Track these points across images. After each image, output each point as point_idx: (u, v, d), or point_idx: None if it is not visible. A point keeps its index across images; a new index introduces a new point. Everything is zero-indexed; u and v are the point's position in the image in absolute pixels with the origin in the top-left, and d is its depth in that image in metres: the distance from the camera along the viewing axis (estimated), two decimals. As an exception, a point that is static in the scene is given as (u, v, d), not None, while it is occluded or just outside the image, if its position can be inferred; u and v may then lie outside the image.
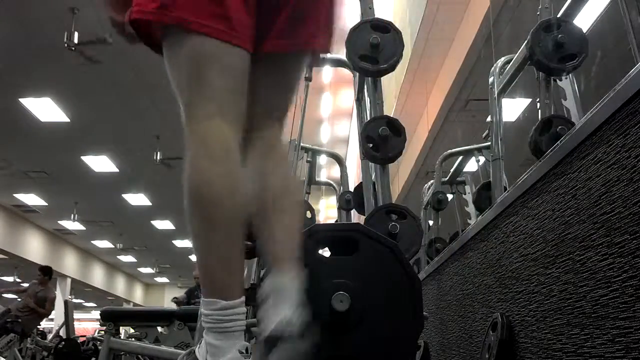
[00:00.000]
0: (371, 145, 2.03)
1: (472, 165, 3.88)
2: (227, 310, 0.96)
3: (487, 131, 2.99)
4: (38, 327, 7.90)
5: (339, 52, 2.56)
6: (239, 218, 0.99)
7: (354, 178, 8.25)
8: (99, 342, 5.74)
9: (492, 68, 2.71)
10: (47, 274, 7.29)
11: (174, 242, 15.17)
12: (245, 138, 1.09)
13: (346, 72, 2.70)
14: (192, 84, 1.03)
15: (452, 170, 3.98)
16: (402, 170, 7.53)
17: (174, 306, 6.21)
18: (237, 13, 1.03)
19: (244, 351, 0.98)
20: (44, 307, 6.90)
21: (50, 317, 9.19)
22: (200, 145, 1.00)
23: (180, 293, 8.12)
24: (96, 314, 20.93)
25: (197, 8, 1.02)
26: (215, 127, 1.00)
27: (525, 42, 2.12)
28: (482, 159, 3.58)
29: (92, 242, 15.34)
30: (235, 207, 0.98)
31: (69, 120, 7.69)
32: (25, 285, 8.71)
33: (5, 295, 8.97)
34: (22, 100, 7.27)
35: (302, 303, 1.00)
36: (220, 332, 0.96)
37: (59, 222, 13.10)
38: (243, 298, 0.98)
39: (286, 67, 1.19)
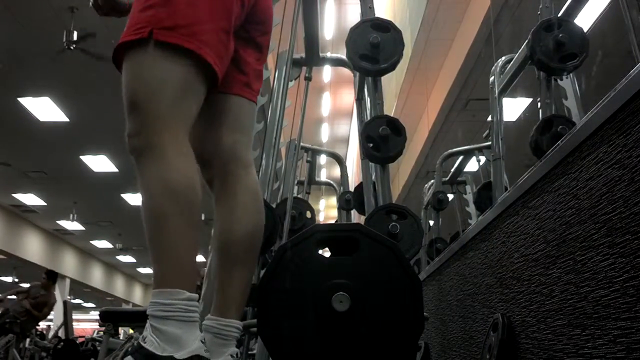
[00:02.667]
0: (371, 145, 2.03)
1: (472, 165, 3.88)
2: (192, 301, 1.01)
3: (487, 131, 2.99)
4: (37, 327, 7.89)
5: (339, 51, 2.56)
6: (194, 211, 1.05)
7: (354, 178, 8.26)
8: (97, 343, 5.74)
9: (493, 68, 2.71)
10: (51, 278, 7.26)
11: (173, 242, 15.12)
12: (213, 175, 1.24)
13: (346, 72, 2.70)
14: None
15: (452, 170, 3.98)
16: (402, 170, 7.53)
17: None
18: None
19: (203, 341, 1.03)
20: (40, 310, 6.87)
21: (49, 317, 9.19)
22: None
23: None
24: (95, 315, 20.94)
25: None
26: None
27: (526, 41, 2.12)
28: (482, 159, 3.58)
29: (91, 242, 15.34)
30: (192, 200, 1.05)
31: (68, 120, 7.69)
32: (25, 285, 8.71)
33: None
34: (21, 99, 7.26)
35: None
36: (185, 322, 0.99)
37: (58, 222, 13.09)
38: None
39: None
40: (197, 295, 1.02)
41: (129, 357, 0.97)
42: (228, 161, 1.26)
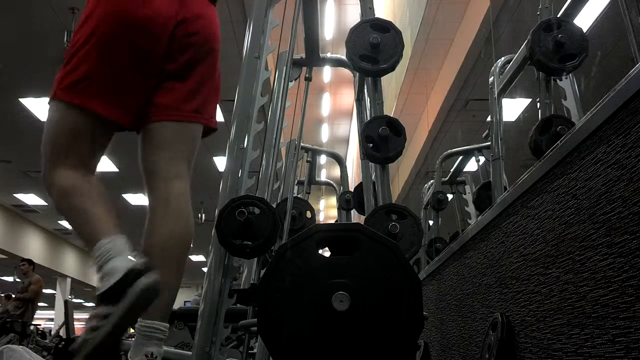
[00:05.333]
0: (371, 145, 2.03)
1: (472, 165, 3.88)
2: (107, 244, 1.25)
3: (487, 131, 2.99)
4: (38, 327, 7.91)
5: (339, 52, 2.56)
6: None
7: (354, 178, 8.26)
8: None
9: (492, 68, 2.71)
10: (31, 263, 7.65)
11: (173, 242, 15.12)
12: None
13: (346, 72, 2.70)
14: None
15: (452, 170, 3.98)
16: (402, 170, 7.53)
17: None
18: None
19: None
20: (27, 290, 7.16)
21: (50, 317, 9.23)
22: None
23: (180, 293, 8.12)
24: (96, 314, 20.88)
25: None
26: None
27: (525, 42, 2.12)
28: (482, 159, 3.58)
29: (92, 242, 15.33)
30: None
31: (68, 120, 7.69)
32: None
33: (1, 294, 9.06)
34: (22, 100, 7.26)
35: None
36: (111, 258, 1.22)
37: (59, 222, 13.09)
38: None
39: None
40: (111, 235, 1.26)
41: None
42: (149, 177, 1.48)
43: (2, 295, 8.48)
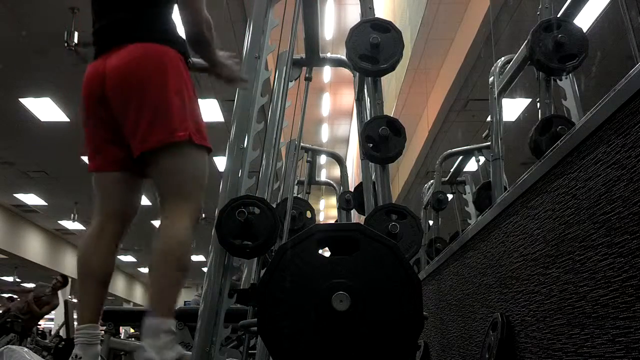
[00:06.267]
0: (371, 145, 2.03)
1: (472, 165, 3.88)
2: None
3: (487, 131, 2.99)
4: (38, 327, 7.90)
5: (339, 52, 2.56)
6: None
7: (354, 178, 8.26)
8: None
9: (492, 68, 2.71)
10: (65, 282, 7.47)
11: (174, 242, 15.12)
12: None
13: (346, 72, 2.70)
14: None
15: (452, 170, 3.98)
16: (402, 170, 7.53)
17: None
18: None
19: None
20: (41, 308, 7.01)
21: (50, 317, 9.23)
22: None
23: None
24: (96, 314, 20.87)
25: None
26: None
27: (525, 42, 2.12)
28: (482, 159, 3.58)
29: (92, 242, 15.34)
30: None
31: (69, 120, 7.69)
32: (27, 285, 8.72)
33: (4, 294, 9.04)
34: (22, 100, 7.26)
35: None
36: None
37: (59, 222, 13.09)
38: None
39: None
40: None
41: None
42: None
43: (5, 295, 8.43)
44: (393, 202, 2.09)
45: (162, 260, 1.51)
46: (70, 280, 15.06)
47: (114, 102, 1.59)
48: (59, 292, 7.65)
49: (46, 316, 8.09)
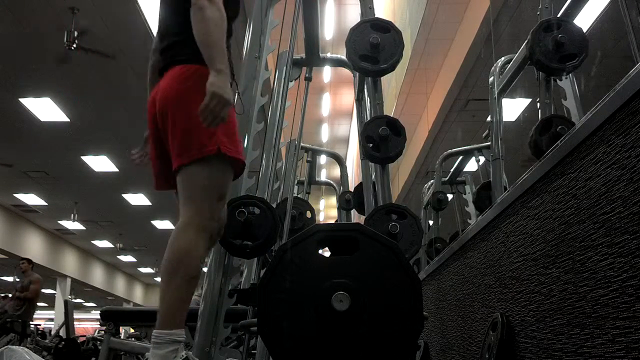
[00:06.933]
0: (371, 145, 2.04)
1: (472, 165, 3.88)
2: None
3: (487, 131, 2.99)
4: (38, 327, 7.90)
5: (339, 52, 2.56)
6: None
7: (354, 178, 8.25)
8: (98, 342, 5.74)
9: (492, 68, 2.71)
10: (30, 262, 7.82)
11: (174, 242, 15.11)
12: None
13: (346, 72, 2.70)
14: None
15: (452, 170, 3.98)
16: (402, 170, 7.53)
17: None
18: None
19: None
20: (27, 289, 7.18)
21: (50, 317, 9.23)
22: None
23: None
24: (96, 314, 20.93)
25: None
26: None
27: (526, 42, 2.12)
28: (482, 159, 3.58)
29: (92, 242, 15.33)
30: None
31: (68, 120, 7.69)
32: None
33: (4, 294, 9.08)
34: (22, 100, 7.26)
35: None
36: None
37: (59, 222, 13.09)
38: None
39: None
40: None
41: None
42: None
43: (1, 295, 8.47)
44: (393, 202, 2.09)
45: (164, 270, 1.51)
46: (70, 280, 15.00)
47: (159, 123, 1.69)
48: (58, 289, 7.76)
49: (46, 316, 8.09)
